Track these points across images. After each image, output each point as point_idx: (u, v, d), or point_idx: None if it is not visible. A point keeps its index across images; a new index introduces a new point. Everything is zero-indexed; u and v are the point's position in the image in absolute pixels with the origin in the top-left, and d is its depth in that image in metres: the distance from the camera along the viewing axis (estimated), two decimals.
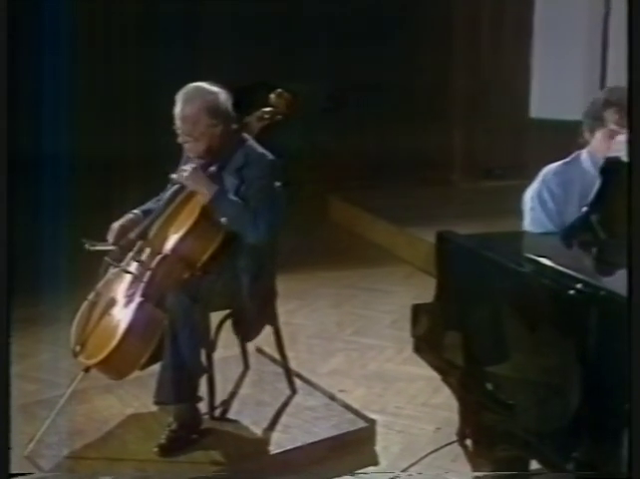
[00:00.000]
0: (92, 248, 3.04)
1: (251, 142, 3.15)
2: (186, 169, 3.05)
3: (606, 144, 2.59)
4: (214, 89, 3.07)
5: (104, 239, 3.11)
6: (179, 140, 3.08)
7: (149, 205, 3.25)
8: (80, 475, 2.90)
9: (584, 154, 2.71)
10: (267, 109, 3.22)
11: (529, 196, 2.70)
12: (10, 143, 1.89)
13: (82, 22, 6.88)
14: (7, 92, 1.91)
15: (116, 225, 3.13)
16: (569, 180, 2.67)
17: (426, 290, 2.67)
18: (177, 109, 3.03)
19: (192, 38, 7.77)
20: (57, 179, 5.65)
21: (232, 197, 3.01)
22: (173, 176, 3.09)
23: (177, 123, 3.04)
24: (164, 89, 3.17)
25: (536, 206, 2.66)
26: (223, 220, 3.00)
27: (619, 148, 2.51)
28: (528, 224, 2.68)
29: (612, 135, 2.57)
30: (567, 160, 2.74)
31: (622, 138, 2.54)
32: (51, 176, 5.72)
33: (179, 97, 3.04)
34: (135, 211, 3.21)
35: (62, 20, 6.20)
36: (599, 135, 2.64)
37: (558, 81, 7.07)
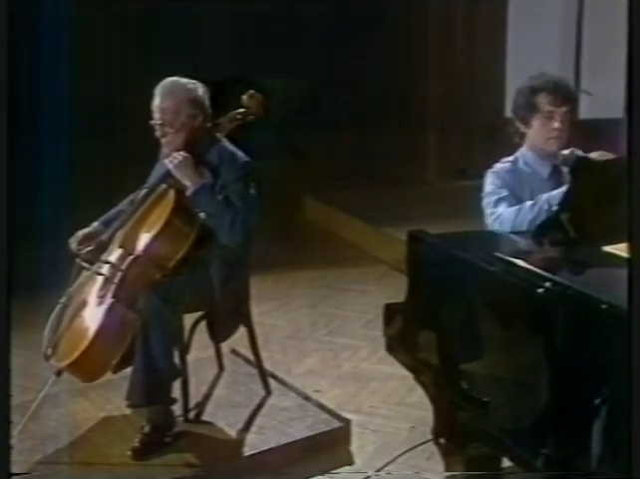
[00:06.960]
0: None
1: (225, 142, 3.15)
2: (177, 156, 3.04)
3: (544, 130, 2.64)
4: (193, 82, 3.11)
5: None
6: (157, 133, 3.07)
7: (110, 214, 3.24)
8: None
9: (524, 151, 2.75)
10: (240, 110, 3.24)
11: (487, 199, 2.75)
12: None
13: (81, 20, 6.80)
14: (7, 91, 1.89)
15: (80, 233, 3.14)
16: (517, 180, 2.72)
17: (401, 290, 2.67)
18: (157, 101, 3.05)
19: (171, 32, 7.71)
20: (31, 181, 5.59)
21: (215, 194, 3.01)
22: (165, 160, 3.08)
23: (157, 115, 3.05)
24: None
25: (494, 202, 2.71)
26: (202, 215, 2.99)
27: (555, 135, 2.58)
28: (494, 223, 2.71)
29: (549, 117, 2.61)
30: (508, 162, 2.78)
31: (556, 124, 2.60)
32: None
33: (159, 90, 3.07)
34: (94, 223, 3.20)
35: (62, 15, 6.12)
36: (536, 122, 2.67)
37: None
